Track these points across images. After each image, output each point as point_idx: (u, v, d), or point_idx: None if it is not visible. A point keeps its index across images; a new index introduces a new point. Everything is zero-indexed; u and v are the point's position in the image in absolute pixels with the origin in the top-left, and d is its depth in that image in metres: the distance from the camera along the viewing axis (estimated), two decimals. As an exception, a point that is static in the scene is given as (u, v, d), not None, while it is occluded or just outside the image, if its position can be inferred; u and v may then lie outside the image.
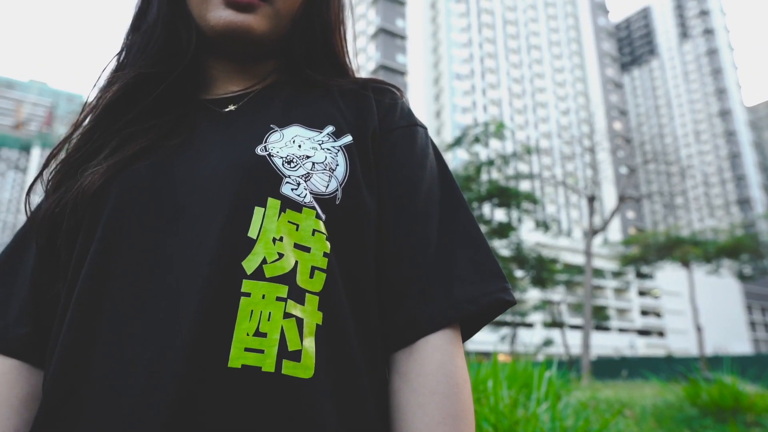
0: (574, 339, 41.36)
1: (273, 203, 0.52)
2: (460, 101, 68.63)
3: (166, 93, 0.61)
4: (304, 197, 0.53)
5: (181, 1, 0.63)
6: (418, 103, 68.53)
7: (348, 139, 0.59)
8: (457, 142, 16.32)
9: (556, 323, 33.00)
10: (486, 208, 19.38)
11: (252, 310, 0.48)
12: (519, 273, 20.85)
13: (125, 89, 0.60)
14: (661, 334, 70.07)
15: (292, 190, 0.53)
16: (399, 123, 0.64)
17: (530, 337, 50.47)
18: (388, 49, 68.72)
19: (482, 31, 75.29)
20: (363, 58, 72.29)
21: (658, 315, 71.03)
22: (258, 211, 0.51)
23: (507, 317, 34.43)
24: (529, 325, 54.30)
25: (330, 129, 0.59)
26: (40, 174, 0.61)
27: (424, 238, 0.57)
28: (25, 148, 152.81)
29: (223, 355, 0.46)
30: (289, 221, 0.52)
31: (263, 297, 0.49)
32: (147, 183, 0.54)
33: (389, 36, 69.60)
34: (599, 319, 38.65)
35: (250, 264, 0.49)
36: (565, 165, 69.30)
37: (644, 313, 70.32)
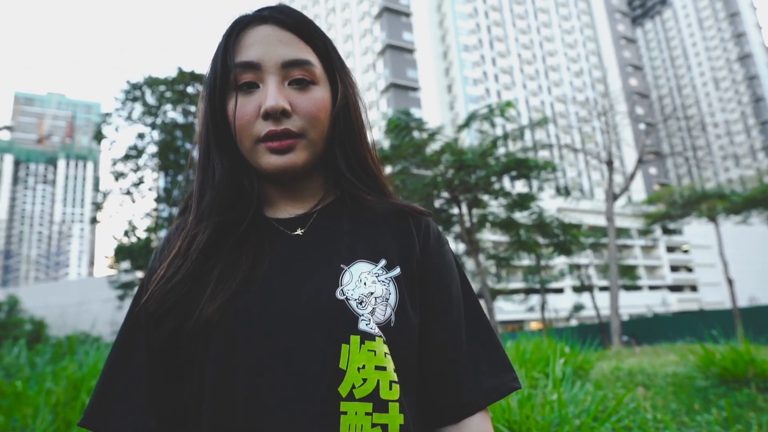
0: (605, 301, 41.57)
1: (355, 339, 0.67)
2: (470, 73, 68.10)
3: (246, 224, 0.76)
4: (374, 329, 0.68)
5: (236, 152, 0.76)
6: (428, 78, 68.24)
7: (397, 270, 0.74)
8: (466, 124, 16.54)
9: (585, 287, 33.25)
10: (505, 181, 19.65)
11: (349, 424, 0.64)
12: (542, 240, 21.05)
13: (210, 238, 0.74)
14: (693, 288, 69.57)
15: (366, 324, 0.68)
16: (434, 246, 0.79)
17: (561, 303, 50.82)
18: (393, 28, 68.33)
19: (487, -1, 74.23)
20: (369, 39, 72.06)
21: (689, 270, 70.43)
22: (345, 348, 0.66)
23: (535, 285, 34.87)
24: (559, 291, 54.55)
25: (383, 262, 0.73)
26: (140, 303, 0.74)
27: (458, 343, 0.75)
28: (51, 162, 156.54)
29: None
30: (368, 350, 0.67)
31: (356, 413, 0.64)
32: (253, 313, 0.68)
33: (393, 14, 69.13)
34: (629, 278, 38.67)
35: (344, 389, 0.65)
36: (582, 127, 68.50)
37: (674, 268, 69.81)
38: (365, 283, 0.70)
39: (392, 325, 0.70)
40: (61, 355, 6.19)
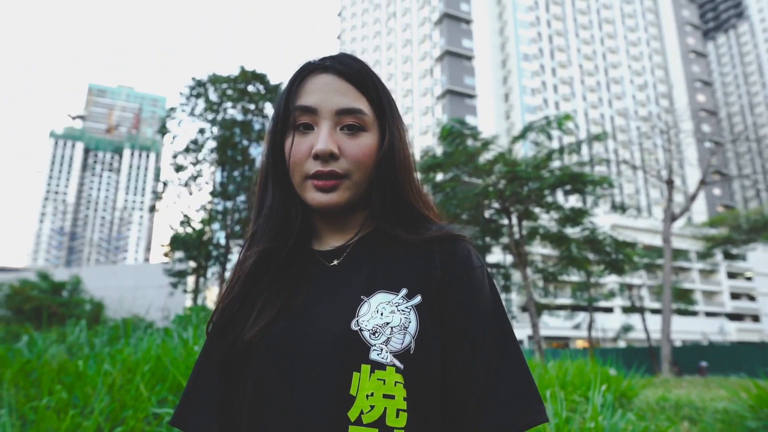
0: (656, 324, 39.92)
1: (365, 368, 0.72)
2: (528, 83, 67.01)
3: (290, 252, 0.85)
4: (386, 358, 0.72)
5: (288, 185, 0.86)
6: (485, 86, 67.59)
7: (418, 299, 0.77)
8: (522, 135, 16.27)
9: (635, 308, 32.04)
10: (559, 195, 19.17)
11: None
12: (593, 257, 20.42)
13: (256, 264, 0.84)
14: (755, 318, 65.76)
15: (377, 354, 0.72)
16: (458, 272, 0.80)
17: (610, 322, 49.09)
18: (453, 34, 68.12)
19: (550, 8, 72.88)
20: (428, 45, 72.11)
21: (751, 298, 66.62)
22: (355, 376, 0.72)
23: (583, 302, 33.83)
24: (609, 310, 52.75)
25: (404, 291, 0.78)
26: (211, 320, 0.87)
27: (479, 372, 0.76)
28: (117, 151, 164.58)
29: None
30: (378, 378, 0.72)
31: None
32: (282, 343, 0.77)
33: (454, 20, 68.92)
34: (684, 302, 36.98)
35: (353, 414, 0.71)
36: (643, 143, 66.26)
37: (735, 296, 66.20)
38: (381, 314, 0.75)
39: (411, 353, 0.73)
40: (117, 337, 6.51)
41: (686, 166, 64.71)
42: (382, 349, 0.73)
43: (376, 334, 0.74)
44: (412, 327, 0.75)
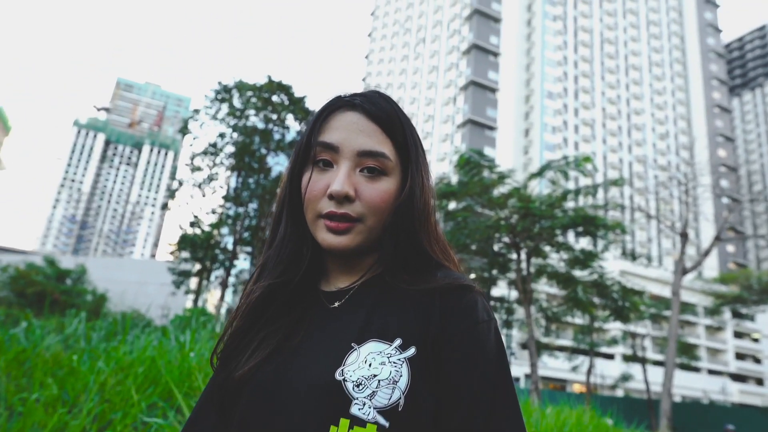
0: (657, 376, 39.19)
1: (344, 422, 0.67)
2: (550, 120, 67.20)
3: (296, 289, 0.83)
4: (368, 414, 0.67)
5: (302, 221, 0.84)
6: (507, 120, 67.85)
7: (412, 351, 0.72)
8: (540, 173, 16.25)
9: (637, 358, 31.48)
10: (570, 236, 19.05)
11: None
12: (598, 301, 20.21)
13: (261, 297, 0.83)
14: (759, 381, 64.31)
15: (359, 409, 0.67)
16: (460, 326, 0.74)
17: (609, 369, 48.24)
18: (479, 65, 68.71)
19: (578, 49, 73.40)
20: (454, 74, 72.72)
21: (757, 360, 65.25)
22: (333, 430, 0.67)
23: (584, 346, 33.34)
24: (609, 356, 51.91)
25: (398, 342, 0.73)
26: (215, 351, 0.86)
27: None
28: (137, 146, 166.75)
29: None
30: None
31: None
32: (268, 386, 0.74)
33: (482, 52, 69.57)
34: (688, 358, 36.30)
35: None
36: (659, 192, 65.89)
37: (740, 356, 64.88)
38: (370, 365, 0.71)
39: (400, 409, 0.68)
40: (115, 333, 6.47)
41: (701, 220, 64.14)
42: (365, 404, 0.68)
43: (361, 387, 0.69)
44: (403, 381, 0.70)
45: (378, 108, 0.83)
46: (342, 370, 0.71)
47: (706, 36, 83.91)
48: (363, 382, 0.69)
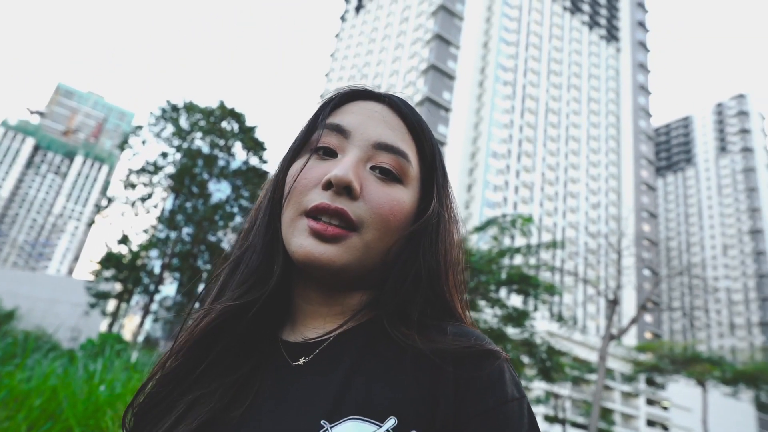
0: (575, 439, 39.81)
1: None
2: (493, 179, 69.60)
3: (250, 330, 0.61)
4: None
5: (278, 225, 0.62)
6: (453, 174, 69.68)
7: None
8: (483, 228, 16.61)
9: (558, 419, 31.95)
10: (503, 292, 19.37)
11: None
12: (526, 359, 20.52)
13: (212, 327, 0.59)
14: (666, 449, 66.71)
15: None
16: (481, 405, 0.53)
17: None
18: (432, 118, 70.75)
19: (524, 115, 77.17)
20: (405, 123, 74.43)
21: (665, 428, 67.87)
22: None
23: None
24: (530, 416, 52.52)
25: (391, 423, 0.51)
26: (131, 405, 0.62)
27: None
28: (69, 155, 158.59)
29: None
30: None
31: None
32: None
33: (434, 105, 71.85)
34: (605, 422, 37.23)
35: None
36: (588, 258, 68.88)
37: (651, 423, 67.33)
38: None
39: None
40: (14, 355, 5.78)
41: (623, 289, 67.30)
42: None
43: None
44: None
45: (407, 107, 0.66)
46: None
47: (638, 119, 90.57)
48: None
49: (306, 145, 0.64)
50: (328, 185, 0.57)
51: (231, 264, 0.66)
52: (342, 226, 0.57)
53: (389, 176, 0.60)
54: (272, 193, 0.65)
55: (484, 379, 0.54)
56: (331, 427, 0.51)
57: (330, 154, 0.61)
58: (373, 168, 0.60)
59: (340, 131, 0.61)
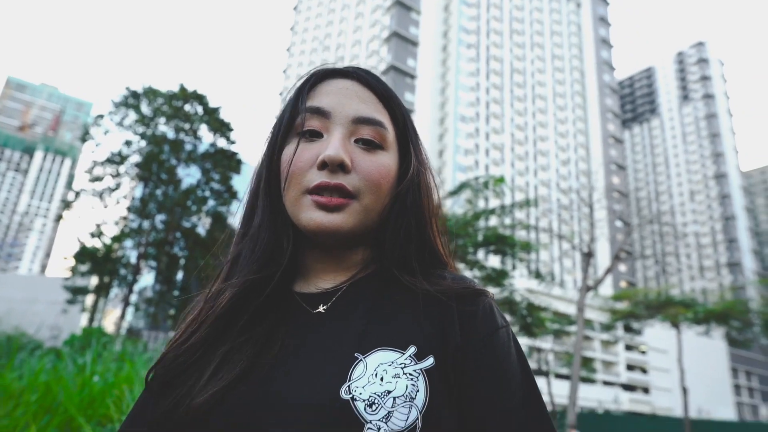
0: (560, 389, 41.28)
1: None
2: (463, 143, 69.85)
3: (270, 292, 0.67)
4: None
5: (281, 208, 0.70)
6: (423, 141, 69.36)
7: (429, 361, 0.60)
8: (457, 191, 16.77)
9: (542, 372, 32.98)
10: (480, 254, 19.71)
11: None
12: (508, 317, 21.07)
13: (234, 300, 0.66)
14: (645, 390, 69.66)
15: None
16: (480, 334, 0.64)
17: (515, 384, 50.07)
18: (397, 87, 70.21)
19: (490, 77, 77.15)
20: (371, 93, 73.72)
21: (644, 371, 70.74)
22: None
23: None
24: (515, 371, 54.08)
25: (412, 350, 0.61)
26: (155, 367, 0.67)
27: None
28: (28, 151, 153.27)
29: None
30: None
31: None
32: (245, 415, 0.57)
33: (399, 74, 71.24)
34: (586, 370, 38.60)
35: None
36: (561, 214, 70.27)
37: (630, 367, 70.06)
38: (382, 378, 0.58)
39: (417, 431, 0.56)
40: (-2, 357, 5.75)
41: (597, 241, 68.90)
42: (380, 428, 0.55)
43: (374, 407, 0.56)
44: (420, 398, 0.57)
45: (374, 78, 0.74)
46: (348, 386, 0.57)
47: (602, 73, 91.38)
48: (376, 401, 0.56)
49: (291, 129, 0.71)
50: (323, 165, 0.66)
51: (240, 245, 0.72)
52: (342, 196, 0.66)
53: (372, 145, 0.69)
54: (267, 175, 0.71)
55: (479, 313, 0.66)
56: (364, 357, 0.59)
57: (315, 135, 0.69)
58: (356, 141, 0.69)
59: (321, 113, 0.69)
